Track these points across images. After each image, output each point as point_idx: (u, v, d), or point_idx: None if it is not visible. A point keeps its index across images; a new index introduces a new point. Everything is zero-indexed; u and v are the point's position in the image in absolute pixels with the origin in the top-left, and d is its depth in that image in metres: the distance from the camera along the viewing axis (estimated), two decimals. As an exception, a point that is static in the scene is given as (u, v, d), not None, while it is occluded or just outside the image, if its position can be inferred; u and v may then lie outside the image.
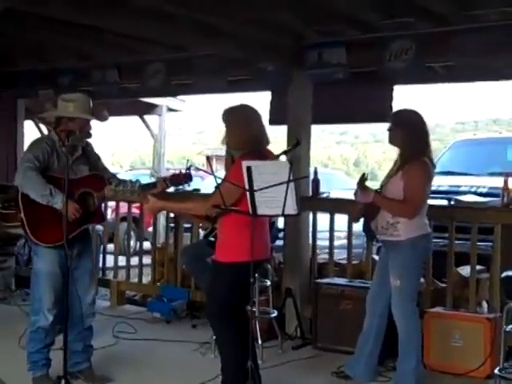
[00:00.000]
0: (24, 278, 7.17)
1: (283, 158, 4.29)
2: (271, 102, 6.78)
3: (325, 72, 5.95)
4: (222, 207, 3.93)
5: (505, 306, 4.61)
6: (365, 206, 4.47)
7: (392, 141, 4.50)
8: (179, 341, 5.74)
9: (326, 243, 6.17)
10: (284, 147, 5.01)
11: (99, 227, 7.33)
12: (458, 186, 7.28)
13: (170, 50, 6.56)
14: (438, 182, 6.39)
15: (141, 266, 7.37)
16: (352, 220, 5.55)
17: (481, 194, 6.89)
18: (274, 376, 4.79)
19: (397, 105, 6.00)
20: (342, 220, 6.06)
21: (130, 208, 7.44)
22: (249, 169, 3.72)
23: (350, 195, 4.61)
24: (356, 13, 5.37)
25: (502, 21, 5.10)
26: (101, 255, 7.78)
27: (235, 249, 4.00)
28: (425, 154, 4.40)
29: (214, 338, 4.61)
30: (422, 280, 5.13)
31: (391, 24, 5.44)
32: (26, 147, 4.76)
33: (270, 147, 4.19)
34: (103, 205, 5.54)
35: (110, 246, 7.81)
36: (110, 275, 7.67)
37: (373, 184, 4.61)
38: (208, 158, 15.97)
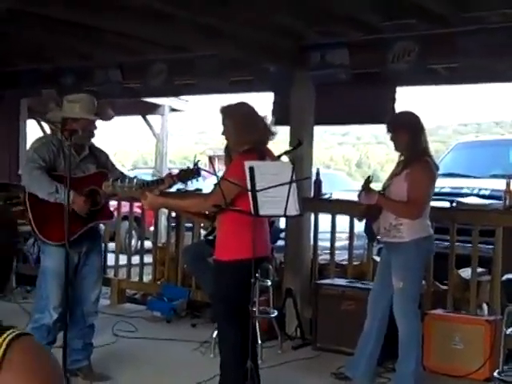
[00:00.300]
0: (24, 275, 7.19)
1: (285, 158, 4.29)
2: (274, 103, 6.78)
3: (327, 73, 5.94)
4: (223, 206, 3.93)
5: (505, 309, 4.61)
6: (367, 207, 4.48)
7: (397, 147, 4.51)
8: (179, 340, 5.74)
9: (327, 244, 6.18)
10: (285, 147, 5.01)
11: (100, 226, 7.31)
12: (460, 188, 7.25)
13: (172, 50, 6.56)
14: (440, 184, 6.38)
15: (142, 264, 7.37)
16: (357, 218, 5.55)
17: (483, 197, 6.85)
18: (274, 376, 4.79)
19: (399, 106, 6.02)
20: (343, 221, 6.07)
21: (131, 207, 7.45)
22: (251, 169, 3.72)
23: (352, 196, 4.61)
24: (356, 14, 5.36)
25: (504, 23, 5.10)
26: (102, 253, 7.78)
27: (235, 246, 3.99)
28: (426, 153, 4.42)
29: (216, 337, 4.60)
30: (423, 282, 5.13)
31: (393, 25, 5.43)
32: (28, 146, 4.77)
33: (271, 147, 4.18)
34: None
35: (112, 245, 7.82)
36: (110, 273, 7.67)
37: (375, 185, 4.61)
38: (210, 158, 15.97)
